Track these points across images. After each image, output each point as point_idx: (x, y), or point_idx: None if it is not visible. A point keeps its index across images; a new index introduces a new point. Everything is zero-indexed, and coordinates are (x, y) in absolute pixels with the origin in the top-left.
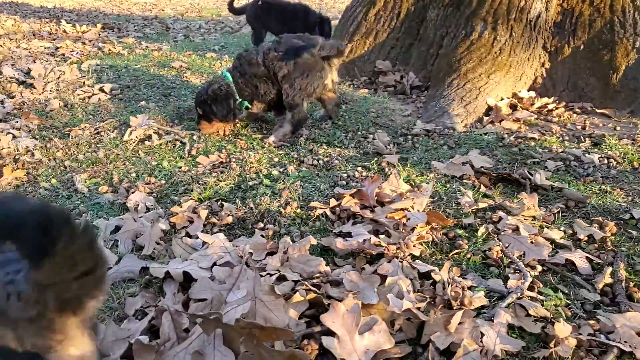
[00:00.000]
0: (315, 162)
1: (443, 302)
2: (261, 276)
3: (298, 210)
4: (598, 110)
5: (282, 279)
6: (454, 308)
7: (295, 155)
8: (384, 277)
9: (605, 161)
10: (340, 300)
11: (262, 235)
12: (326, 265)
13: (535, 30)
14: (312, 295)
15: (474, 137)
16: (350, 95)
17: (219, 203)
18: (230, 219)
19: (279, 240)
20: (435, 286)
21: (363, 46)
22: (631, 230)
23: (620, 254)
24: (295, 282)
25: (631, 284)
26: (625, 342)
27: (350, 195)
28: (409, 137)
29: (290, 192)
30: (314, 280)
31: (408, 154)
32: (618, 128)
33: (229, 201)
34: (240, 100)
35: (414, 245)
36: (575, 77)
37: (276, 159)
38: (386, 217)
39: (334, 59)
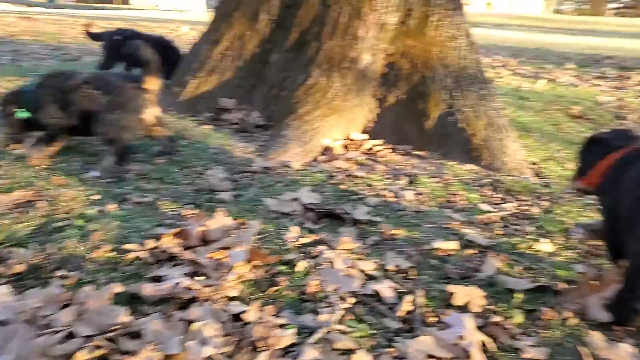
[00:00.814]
0: (142, 199)
1: (250, 344)
2: (42, 335)
3: (110, 254)
4: (416, 152)
5: (71, 335)
6: (261, 349)
7: (119, 192)
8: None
9: (418, 197)
10: (135, 354)
11: (62, 285)
12: (131, 315)
13: (365, 79)
14: (100, 352)
15: (308, 175)
16: (192, 131)
17: (6, 250)
18: (21, 268)
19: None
20: (245, 328)
21: (208, 83)
22: (431, 260)
23: (421, 281)
24: (88, 337)
25: (428, 310)
26: None
27: (172, 234)
28: (247, 174)
29: (104, 234)
30: (110, 334)
31: (243, 191)
32: (430, 168)
33: (26, 246)
34: None
35: (233, 286)
36: (399, 123)
37: (96, 197)
38: (207, 257)
39: (149, 94)
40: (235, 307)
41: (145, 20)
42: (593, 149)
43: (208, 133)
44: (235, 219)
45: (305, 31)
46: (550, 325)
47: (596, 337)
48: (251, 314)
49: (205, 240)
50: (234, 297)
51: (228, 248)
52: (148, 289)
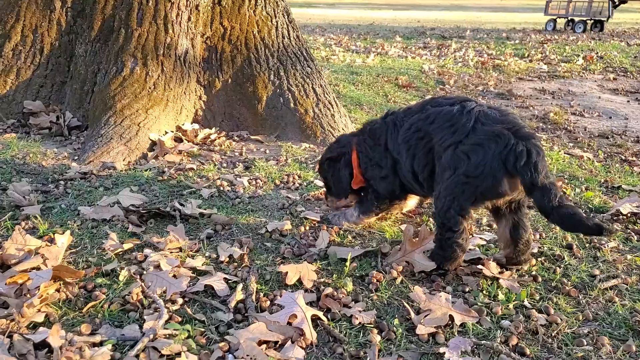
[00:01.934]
0: None
1: None
2: None
3: None
4: (253, 137)
5: None
6: None
7: None
8: None
9: (254, 182)
10: None
11: None
12: None
13: (186, 65)
14: None
15: (134, 174)
16: None
17: None
18: None
19: None
20: (53, 355)
21: (4, 86)
22: (266, 243)
23: (254, 267)
24: None
25: (262, 295)
26: (247, 355)
27: None
28: (61, 182)
29: None
30: None
31: (56, 202)
32: (267, 151)
33: None
34: None
35: (39, 310)
36: (230, 108)
37: None
38: (6, 283)
39: None
40: (39, 334)
41: None
42: (336, 165)
43: (11, 142)
44: (42, 236)
45: (110, 18)
46: (379, 287)
47: (418, 291)
48: (54, 339)
49: (4, 265)
50: (40, 322)
51: (33, 269)
52: None
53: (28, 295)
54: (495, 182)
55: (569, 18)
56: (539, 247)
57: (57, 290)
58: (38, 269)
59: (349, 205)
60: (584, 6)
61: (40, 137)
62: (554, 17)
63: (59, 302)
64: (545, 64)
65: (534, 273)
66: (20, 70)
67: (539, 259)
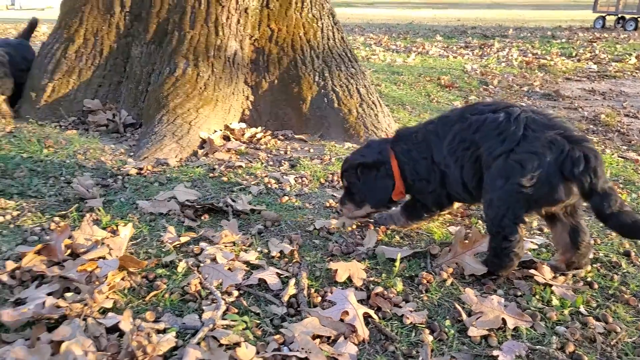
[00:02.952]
0: (0, 218)
1: (128, 355)
2: None
3: None
4: (297, 136)
5: None
6: (140, 358)
7: None
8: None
9: (300, 180)
10: None
11: None
12: None
13: (235, 66)
14: None
15: (186, 171)
16: (55, 137)
17: None
18: None
19: None
20: (123, 338)
21: (67, 85)
22: (315, 240)
23: (304, 263)
24: None
25: (312, 291)
26: (302, 348)
27: (35, 252)
28: (119, 177)
29: None
30: None
31: (115, 196)
32: (311, 150)
33: None
34: None
35: (107, 297)
36: (276, 108)
37: None
38: (77, 270)
39: None
40: (110, 319)
41: None
42: (372, 173)
43: (73, 138)
44: (105, 227)
45: (164, 21)
46: (429, 288)
47: (470, 293)
48: (125, 323)
49: (74, 253)
50: (108, 308)
51: (100, 258)
52: (8, 315)
53: (97, 282)
54: (551, 190)
55: (619, 15)
56: (595, 253)
57: (123, 279)
58: (104, 258)
59: (365, 217)
60: (635, 3)
61: (98, 133)
62: (603, 15)
63: (124, 290)
64: (594, 63)
65: (589, 280)
66: (82, 71)
67: (595, 266)
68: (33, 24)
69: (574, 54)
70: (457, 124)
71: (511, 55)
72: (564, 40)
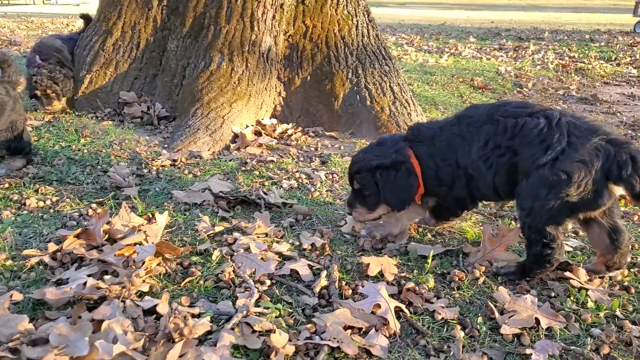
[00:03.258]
0: (41, 203)
1: (165, 337)
2: None
3: (8, 262)
4: (327, 133)
5: None
6: (175, 340)
7: (15, 198)
8: (101, 323)
9: (330, 176)
10: None
11: None
12: (34, 321)
13: (269, 62)
14: None
15: (219, 164)
16: (92, 128)
17: None
18: None
19: None
20: (160, 321)
21: (104, 77)
22: (346, 235)
23: (335, 256)
24: None
25: (343, 283)
26: (334, 338)
27: (74, 236)
28: (154, 168)
29: None
30: (12, 343)
31: (150, 185)
32: (342, 147)
33: None
34: None
35: (144, 281)
36: (307, 105)
37: None
38: (115, 255)
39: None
40: (147, 302)
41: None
42: (391, 173)
43: (109, 129)
44: (141, 215)
45: (201, 15)
46: (461, 285)
47: (503, 292)
48: (163, 306)
49: (111, 239)
50: (145, 292)
51: (136, 244)
52: (52, 293)
53: (134, 267)
54: (596, 196)
55: None
56: (632, 258)
57: (158, 265)
58: (140, 244)
59: (376, 219)
60: None
61: (133, 125)
62: None
63: (160, 275)
64: (634, 67)
65: (626, 284)
66: (119, 63)
67: (632, 270)
68: (87, 19)
69: (613, 58)
70: (487, 126)
71: (547, 58)
72: (602, 43)
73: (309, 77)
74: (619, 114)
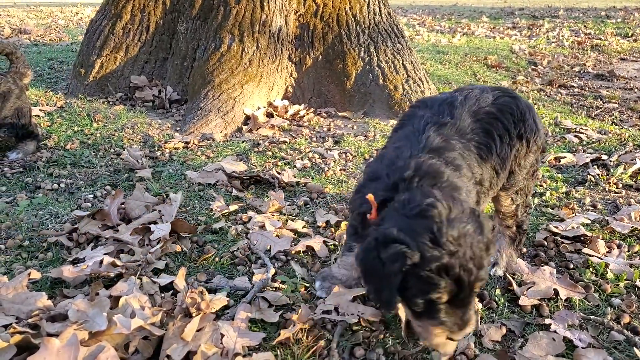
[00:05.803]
0: (55, 185)
1: (182, 312)
2: None
3: (24, 243)
4: (340, 113)
5: None
6: (193, 315)
7: (31, 181)
8: (119, 299)
9: (344, 156)
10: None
11: None
12: (52, 299)
13: (279, 42)
14: (17, 337)
15: (231, 145)
16: (104, 112)
17: None
18: None
19: None
20: (176, 296)
21: (114, 61)
22: None
23: None
24: (6, 326)
25: None
26: (351, 314)
27: (89, 216)
28: (167, 150)
29: (14, 224)
30: (32, 319)
31: (163, 167)
32: (355, 127)
33: None
34: None
35: (159, 259)
36: (319, 85)
37: (2, 188)
38: (130, 234)
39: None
40: (163, 278)
41: (44, 5)
42: None
43: (121, 113)
44: (156, 196)
45: None
46: None
47: (521, 264)
48: (180, 282)
49: (126, 218)
50: (161, 269)
51: (151, 223)
52: (69, 271)
53: (149, 245)
54: None
55: None
56: None
57: (174, 243)
58: (155, 223)
59: None
60: None
61: (145, 109)
62: None
63: (175, 253)
64: None
65: None
66: (129, 47)
67: None
68: None
69: (630, 34)
70: None
71: (562, 36)
72: (619, 20)
73: (320, 57)
74: (636, 90)
